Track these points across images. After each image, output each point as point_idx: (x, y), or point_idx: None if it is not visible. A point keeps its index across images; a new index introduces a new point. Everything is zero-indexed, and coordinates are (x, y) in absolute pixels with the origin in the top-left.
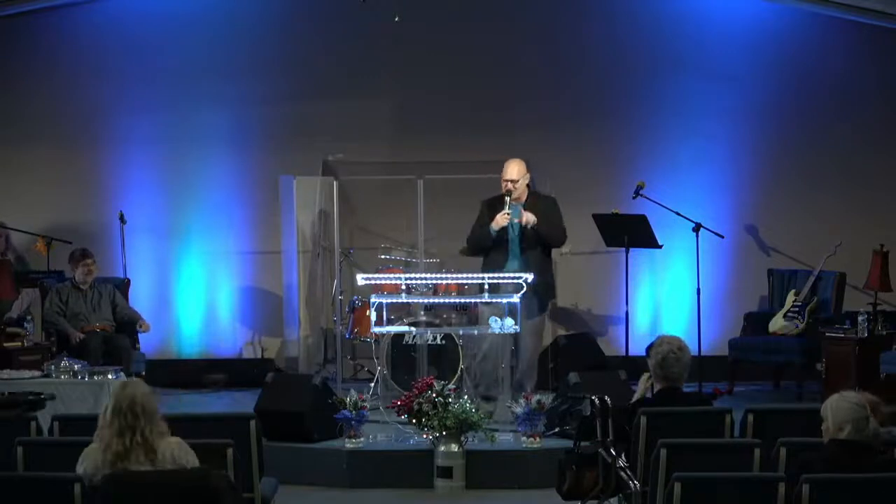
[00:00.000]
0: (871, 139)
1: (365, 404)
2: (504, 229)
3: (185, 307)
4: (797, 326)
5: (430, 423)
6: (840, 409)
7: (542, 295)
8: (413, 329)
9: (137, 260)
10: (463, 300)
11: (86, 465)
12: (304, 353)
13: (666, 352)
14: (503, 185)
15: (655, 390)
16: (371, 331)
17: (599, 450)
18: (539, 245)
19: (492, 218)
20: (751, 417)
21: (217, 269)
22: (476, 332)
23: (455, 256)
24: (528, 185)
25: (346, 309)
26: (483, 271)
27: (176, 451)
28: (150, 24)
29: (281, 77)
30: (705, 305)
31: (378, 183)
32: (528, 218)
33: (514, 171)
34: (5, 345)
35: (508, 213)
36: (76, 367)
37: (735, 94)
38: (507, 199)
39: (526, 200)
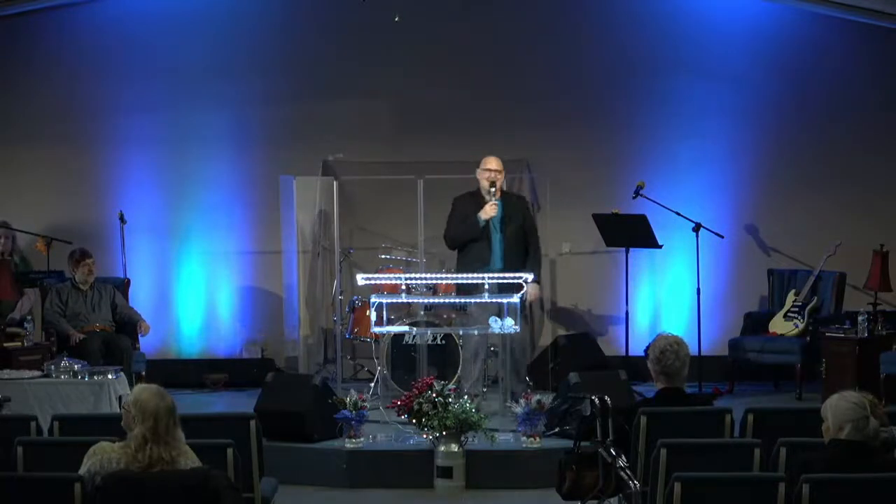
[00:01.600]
0: (871, 139)
1: (365, 404)
2: (485, 228)
3: (185, 307)
4: (797, 326)
5: (430, 423)
6: (840, 409)
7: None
8: (413, 329)
9: (137, 260)
10: (463, 300)
11: (92, 463)
12: (304, 353)
13: (663, 345)
14: (485, 175)
15: (657, 390)
16: (371, 331)
17: (599, 450)
18: (522, 248)
19: (469, 212)
20: (751, 417)
21: (217, 269)
22: (476, 331)
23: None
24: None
25: (346, 309)
26: (463, 270)
27: (182, 463)
28: (150, 23)
29: (281, 77)
30: (705, 305)
31: (378, 183)
32: (533, 294)
33: (497, 163)
34: (5, 345)
35: (496, 203)
36: (76, 367)
37: (735, 94)
38: (493, 189)
39: (501, 198)
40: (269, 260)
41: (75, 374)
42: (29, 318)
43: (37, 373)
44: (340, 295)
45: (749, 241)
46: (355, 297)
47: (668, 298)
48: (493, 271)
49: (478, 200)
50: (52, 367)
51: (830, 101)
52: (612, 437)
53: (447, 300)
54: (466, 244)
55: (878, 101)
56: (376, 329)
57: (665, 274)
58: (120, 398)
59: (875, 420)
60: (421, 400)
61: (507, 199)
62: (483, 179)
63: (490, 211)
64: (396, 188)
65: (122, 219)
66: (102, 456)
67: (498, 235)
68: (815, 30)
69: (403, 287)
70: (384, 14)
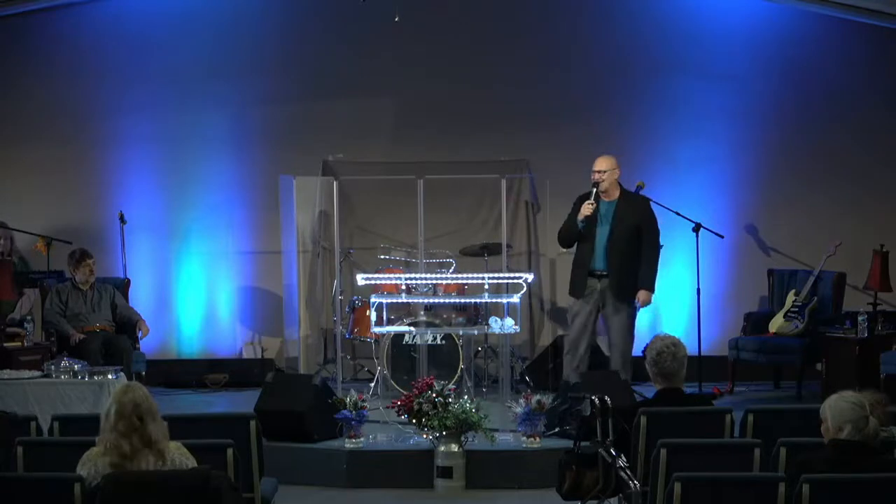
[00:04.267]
0: (871, 139)
1: (365, 404)
2: (594, 225)
3: (185, 307)
4: (797, 326)
5: (430, 423)
6: (839, 409)
7: (629, 288)
8: (413, 329)
9: (137, 260)
10: (463, 300)
11: (85, 470)
12: (304, 353)
13: (660, 348)
14: (592, 176)
15: (656, 391)
16: (371, 331)
17: (599, 450)
18: (630, 248)
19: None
20: (751, 417)
21: (217, 269)
22: (476, 332)
23: (455, 256)
24: (619, 184)
25: (346, 309)
26: (572, 269)
27: (176, 456)
28: (150, 24)
29: (281, 77)
30: (705, 305)
31: (378, 183)
32: (644, 298)
33: (602, 163)
34: (5, 345)
35: (592, 204)
36: (76, 367)
37: (735, 94)
38: (595, 190)
39: (618, 198)
40: (269, 260)
41: (75, 374)
42: (29, 318)
43: (37, 373)
44: (340, 295)
45: (749, 241)
46: (355, 297)
47: (668, 298)
48: (593, 273)
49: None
50: (52, 367)
51: (830, 101)
52: (612, 437)
53: (447, 300)
54: (576, 244)
55: (878, 101)
56: (376, 329)
57: (665, 274)
58: None
59: (875, 420)
60: (421, 400)
61: (624, 198)
62: (591, 179)
63: (584, 211)
64: (396, 188)
65: (122, 219)
66: (96, 462)
67: (603, 236)
68: (815, 30)
69: (403, 287)
70: (384, 14)
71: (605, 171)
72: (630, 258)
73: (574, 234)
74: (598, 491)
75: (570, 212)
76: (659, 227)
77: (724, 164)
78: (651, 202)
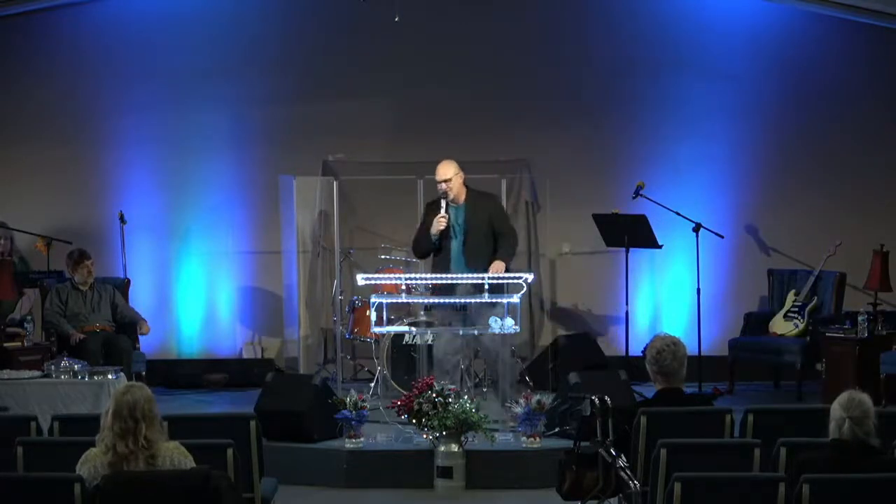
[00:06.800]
0: (871, 139)
1: (365, 404)
2: (447, 235)
3: (185, 307)
4: (797, 326)
5: (430, 423)
6: (833, 407)
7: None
8: (413, 329)
9: (137, 260)
10: (463, 300)
11: (85, 470)
12: (304, 353)
13: (660, 346)
14: (438, 187)
15: (656, 391)
16: (371, 331)
17: (599, 450)
18: (488, 249)
19: (430, 221)
20: (751, 417)
21: (217, 269)
22: (476, 332)
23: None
24: (464, 184)
25: (346, 309)
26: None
27: (175, 456)
28: (150, 24)
29: (281, 77)
30: (705, 305)
31: (378, 183)
32: (497, 267)
33: (445, 170)
34: (5, 345)
35: (444, 217)
36: (76, 367)
37: (735, 94)
38: (444, 201)
39: (466, 200)
40: (269, 260)
41: (75, 374)
42: (29, 318)
43: (37, 373)
44: (340, 295)
45: (749, 241)
46: (355, 297)
47: (668, 298)
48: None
49: (438, 209)
50: (52, 367)
51: (830, 101)
52: (612, 437)
53: (447, 300)
54: (434, 253)
55: (878, 100)
56: (376, 329)
57: (665, 274)
58: None
59: (851, 424)
60: (421, 400)
61: (471, 201)
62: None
63: (437, 226)
64: (396, 188)
65: (122, 219)
66: (94, 462)
67: (456, 243)
68: (815, 30)
69: (403, 287)
70: (384, 14)
71: (450, 179)
72: (488, 260)
73: (429, 246)
74: (598, 491)
75: (422, 221)
76: (512, 225)
77: (724, 164)
78: (498, 199)
